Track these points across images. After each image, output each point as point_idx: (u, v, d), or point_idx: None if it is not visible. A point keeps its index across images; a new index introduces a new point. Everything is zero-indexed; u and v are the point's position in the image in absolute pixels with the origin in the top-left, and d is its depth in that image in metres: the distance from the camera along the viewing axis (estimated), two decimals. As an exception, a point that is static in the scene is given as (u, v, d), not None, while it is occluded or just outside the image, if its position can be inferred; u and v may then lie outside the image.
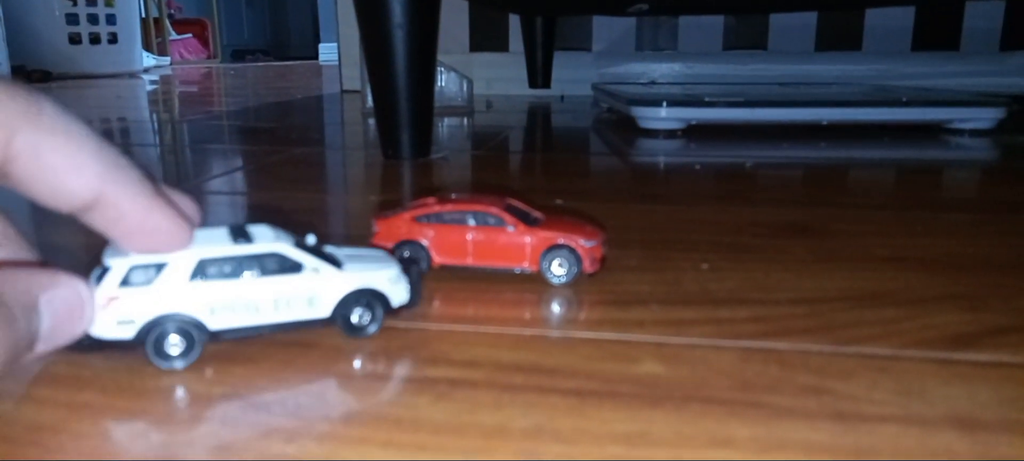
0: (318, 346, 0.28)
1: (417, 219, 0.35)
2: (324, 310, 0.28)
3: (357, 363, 0.27)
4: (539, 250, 0.35)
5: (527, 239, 0.35)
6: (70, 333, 0.23)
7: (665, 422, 0.23)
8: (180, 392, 0.24)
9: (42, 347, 0.22)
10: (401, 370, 0.26)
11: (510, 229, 0.35)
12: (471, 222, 0.35)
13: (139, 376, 0.25)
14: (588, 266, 0.35)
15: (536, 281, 0.36)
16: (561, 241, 0.34)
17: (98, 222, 0.24)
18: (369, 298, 0.28)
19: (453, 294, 0.34)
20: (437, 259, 0.35)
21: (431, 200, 0.36)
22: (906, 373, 0.26)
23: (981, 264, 0.39)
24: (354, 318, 0.28)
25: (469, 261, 0.35)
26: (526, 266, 0.35)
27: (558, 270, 0.35)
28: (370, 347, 0.28)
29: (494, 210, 0.35)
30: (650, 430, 0.22)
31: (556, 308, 0.32)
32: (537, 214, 0.37)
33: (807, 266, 0.38)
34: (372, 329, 0.28)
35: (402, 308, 0.29)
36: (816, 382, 0.25)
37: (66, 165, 0.22)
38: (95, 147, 0.23)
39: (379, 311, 0.29)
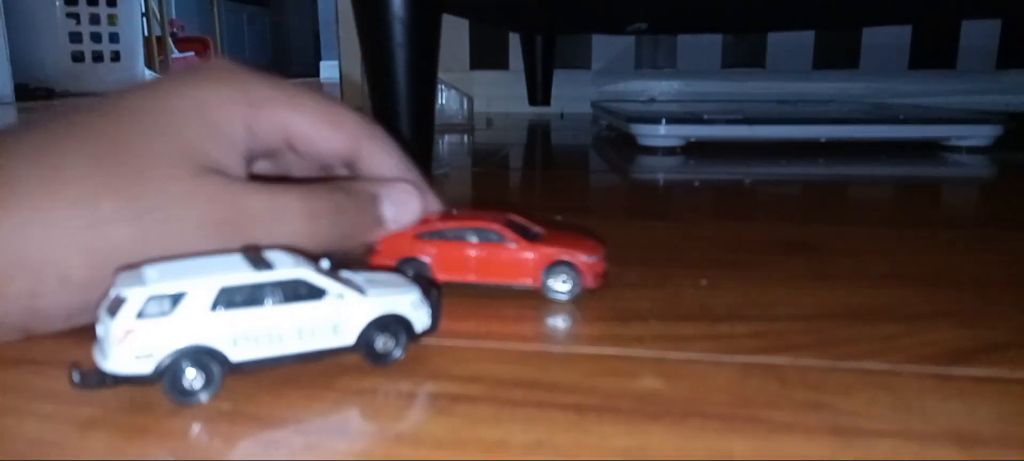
0: (317, 362, 0.28)
1: (419, 236, 0.35)
2: (349, 337, 0.27)
3: (356, 379, 0.27)
4: (541, 266, 0.35)
5: (529, 255, 0.35)
6: (410, 216, 0.35)
7: (664, 437, 0.23)
8: (180, 408, 0.24)
9: (392, 227, 0.34)
10: (401, 386, 0.26)
11: (512, 245, 0.35)
12: (473, 239, 0.35)
13: (140, 391, 0.25)
14: (590, 282, 0.35)
15: (536, 296, 0.36)
16: (563, 257, 0.34)
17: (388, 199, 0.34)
18: (393, 324, 0.27)
19: (453, 309, 0.34)
20: (439, 276, 0.35)
21: (433, 217, 0.37)
22: (904, 389, 0.26)
23: (979, 281, 0.39)
24: (379, 345, 0.27)
25: (471, 277, 0.35)
26: (528, 282, 0.35)
27: (561, 286, 0.35)
28: (368, 363, 0.28)
29: (496, 226, 0.35)
30: (649, 444, 0.22)
31: (556, 324, 0.32)
32: (537, 229, 0.37)
33: (805, 282, 0.38)
34: (397, 355, 0.28)
35: (425, 333, 0.29)
36: (815, 398, 0.25)
37: (385, 165, 0.35)
38: (402, 155, 0.36)
39: (403, 337, 0.28)
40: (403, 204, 0.34)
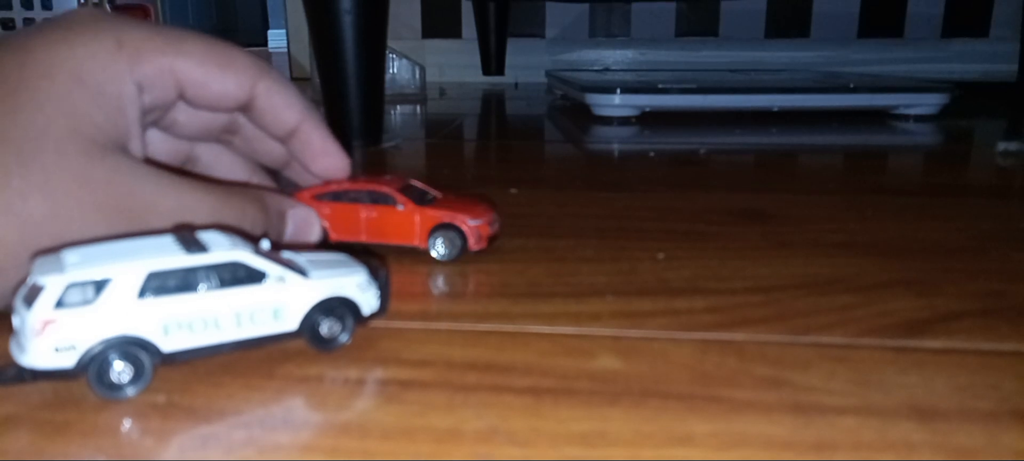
0: (260, 347, 0.26)
1: (316, 197, 0.37)
2: (291, 323, 0.25)
3: (300, 367, 0.25)
4: (427, 228, 0.36)
5: (416, 217, 0.36)
6: (305, 239, 0.34)
7: (623, 420, 0.22)
8: (108, 403, 0.23)
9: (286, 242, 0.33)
10: (348, 372, 0.25)
11: (400, 208, 0.36)
12: (366, 201, 0.37)
13: (65, 386, 0.23)
14: (474, 243, 0.36)
15: (489, 273, 0.35)
16: (446, 220, 0.36)
17: (293, 146, 0.35)
18: (339, 307, 0.26)
19: (401, 288, 0.33)
20: (333, 235, 0.37)
21: (336, 179, 0.38)
22: (863, 362, 0.26)
23: (931, 248, 0.39)
24: (324, 330, 0.26)
25: (363, 238, 0.37)
26: (416, 243, 0.36)
27: (441, 248, 0.36)
28: (313, 349, 0.27)
29: (388, 190, 0.37)
30: (608, 428, 0.21)
31: (509, 301, 0.31)
32: (434, 194, 0.38)
33: (762, 253, 0.38)
34: (343, 340, 0.26)
35: (373, 316, 0.27)
36: (774, 373, 0.25)
37: (284, 104, 0.33)
38: (297, 92, 0.34)
39: (350, 321, 0.26)
40: (303, 229, 0.34)
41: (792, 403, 0.23)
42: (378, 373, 0.25)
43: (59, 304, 0.22)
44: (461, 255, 0.36)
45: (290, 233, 0.33)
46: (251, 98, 0.32)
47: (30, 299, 0.22)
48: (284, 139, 0.35)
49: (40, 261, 0.23)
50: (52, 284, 0.22)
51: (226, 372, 0.25)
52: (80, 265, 0.23)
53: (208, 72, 0.30)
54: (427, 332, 0.28)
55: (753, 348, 0.27)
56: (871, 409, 0.23)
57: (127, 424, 0.22)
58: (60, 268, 0.22)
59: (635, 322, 0.29)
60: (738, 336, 0.28)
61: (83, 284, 0.22)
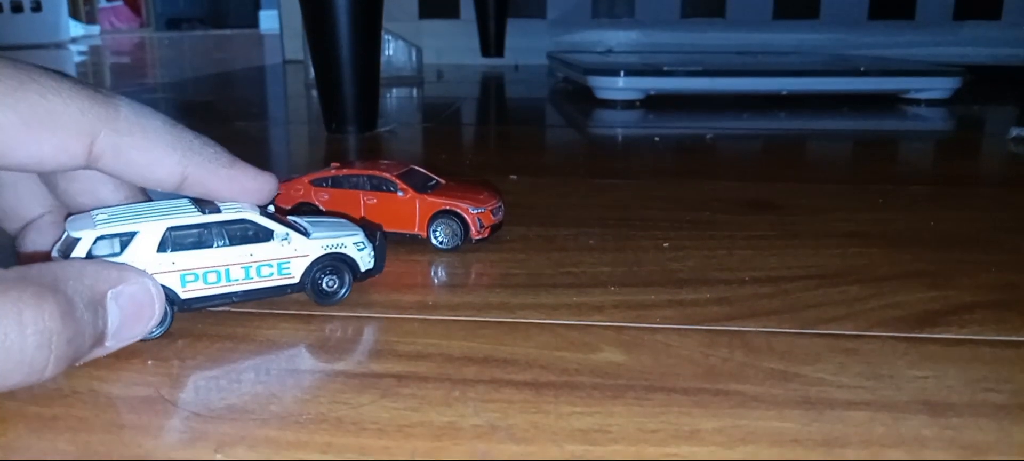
0: (252, 340, 0.26)
1: (313, 182, 0.37)
2: (294, 277, 0.28)
3: (293, 358, 0.25)
4: (427, 216, 0.36)
5: (416, 205, 0.36)
6: (139, 331, 0.24)
7: (627, 416, 0.21)
8: (106, 392, 0.22)
9: (111, 344, 0.23)
10: (343, 364, 0.24)
11: (401, 195, 0.36)
12: (366, 187, 0.36)
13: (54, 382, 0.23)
14: (475, 232, 0.35)
15: (489, 263, 0.34)
16: (447, 207, 0.35)
17: (187, 193, 0.27)
18: (338, 264, 0.29)
19: (399, 279, 0.32)
20: None
21: (335, 165, 0.38)
22: (873, 355, 0.25)
23: (943, 238, 0.38)
24: (325, 284, 0.28)
25: None
26: (415, 231, 0.36)
27: (441, 236, 0.36)
28: (308, 340, 0.26)
29: (389, 176, 0.36)
30: (611, 425, 0.21)
31: (509, 292, 0.31)
32: (438, 180, 0.38)
33: (770, 243, 0.37)
34: (342, 294, 0.29)
35: (368, 273, 0.30)
36: (783, 367, 0.24)
37: (146, 159, 0.25)
38: (171, 138, 0.25)
39: (348, 277, 0.29)
40: (133, 317, 0.23)
41: (801, 397, 0.22)
42: (373, 366, 0.24)
43: (89, 256, 0.24)
44: (462, 244, 0.35)
45: (115, 325, 0.23)
46: (92, 159, 0.25)
47: (65, 251, 0.24)
48: (172, 191, 0.27)
49: (74, 218, 0.26)
50: (84, 238, 0.24)
51: (216, 366, 0.24)
52: (108, 222, 0.25)
53: (13, 134, 0.23)
54: (424, 323, 0.27)
55: (761, 341, 0.26)
56: (882, 403, 0.22)
57: (116, 418, 0.21)
58: (91, 224, 0.25)
59: (639, 314, 0.28)
60: (746, 328, 0.27)
61: (111, 237, 0.25)
